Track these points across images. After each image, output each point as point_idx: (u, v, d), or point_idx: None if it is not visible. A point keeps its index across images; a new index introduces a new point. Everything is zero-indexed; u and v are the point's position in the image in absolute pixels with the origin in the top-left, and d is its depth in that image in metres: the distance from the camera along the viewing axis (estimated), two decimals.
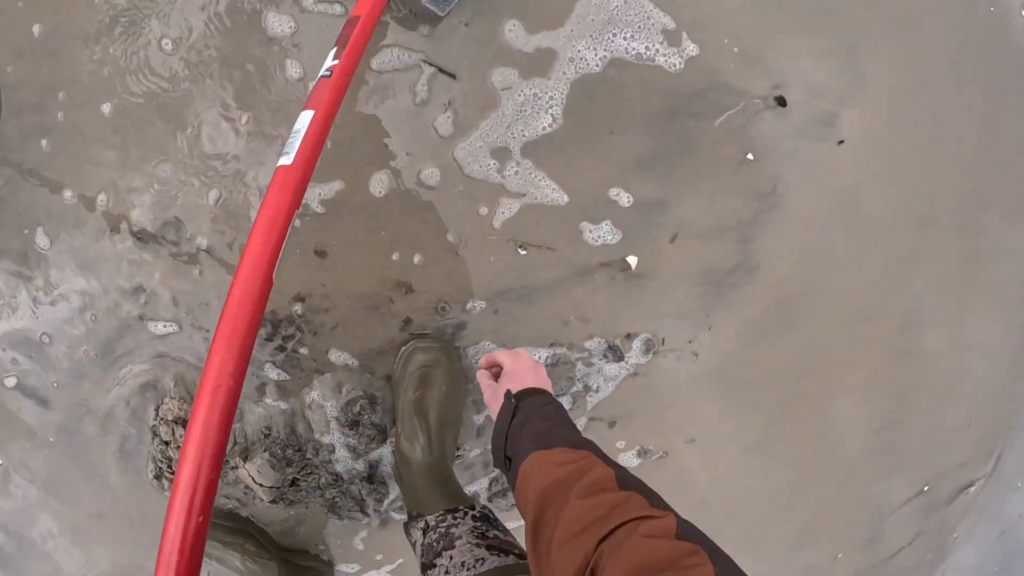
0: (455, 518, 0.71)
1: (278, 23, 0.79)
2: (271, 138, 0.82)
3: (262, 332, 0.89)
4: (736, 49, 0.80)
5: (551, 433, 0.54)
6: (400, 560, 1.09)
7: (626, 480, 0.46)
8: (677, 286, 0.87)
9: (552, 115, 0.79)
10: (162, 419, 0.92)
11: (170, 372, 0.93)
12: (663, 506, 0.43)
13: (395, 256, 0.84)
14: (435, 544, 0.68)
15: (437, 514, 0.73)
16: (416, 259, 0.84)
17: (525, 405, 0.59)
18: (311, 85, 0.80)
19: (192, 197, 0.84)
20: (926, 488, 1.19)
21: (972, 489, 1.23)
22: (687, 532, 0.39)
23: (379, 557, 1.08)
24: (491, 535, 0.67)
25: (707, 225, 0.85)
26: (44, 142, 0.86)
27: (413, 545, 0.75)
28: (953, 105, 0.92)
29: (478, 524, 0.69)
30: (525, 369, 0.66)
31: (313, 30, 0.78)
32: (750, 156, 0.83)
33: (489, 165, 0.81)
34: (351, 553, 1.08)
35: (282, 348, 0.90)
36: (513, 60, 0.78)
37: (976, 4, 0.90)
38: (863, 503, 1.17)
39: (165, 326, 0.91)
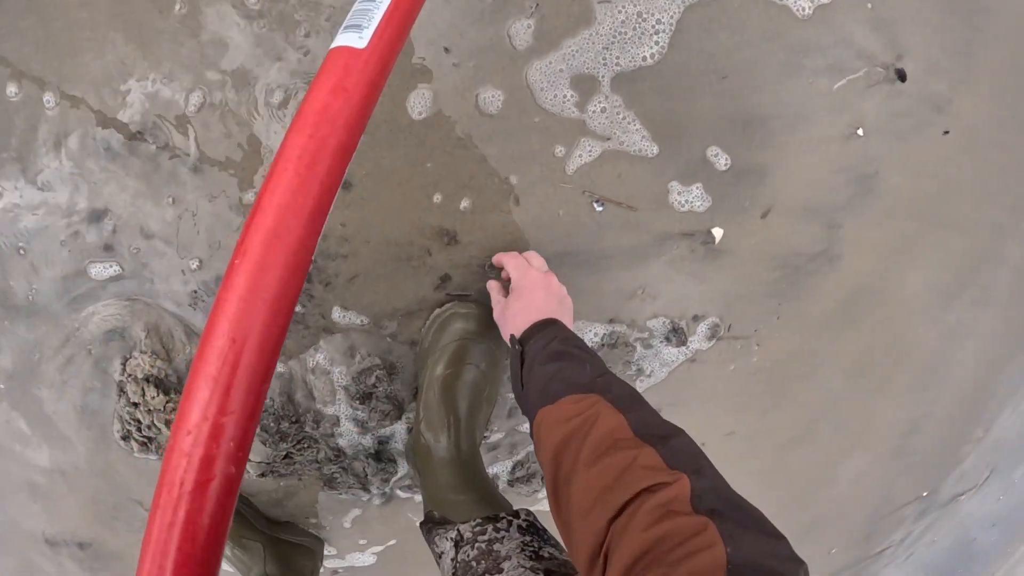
0: (498, 530, 0.58)
1: None
2: (293, 24, 0.64)
3: None
4: (870, 5, 0.69)
5: (557, 379, 0.50)
6: (392, 541, 0.98)
7: (639, 424, 0.43)
8: (757, 267, 0.77)
9: (657, 43, 0.65)
10: (130, 375, 0.74)
11: (141, 320, 0.75)
12: (680, 461, 0.39)
13: (438, 197, 0.69)
14: (474, 564, 0.55)
15: (473, 523, 0.59)
16: (465, 203, 0.70)
17: (530, 349, 0.55)
18: None
19: (179, 97, 0.65)
20: (926, 493, 1.21)
21: (963, 497, 1.26)
22: (703, 497, 0.36)
23: (363, 541, 0.96)
24: (546, 553, 0.55)
25: (801, 203, 0.75)
26: None
27: (439, 557, 0.61)
28: None
29: (528, 539, 0.57)
30: (534, 286, 0.61)
31: None
32: (860, 132, 0.74)
33: (567, 96, 0.66)
34: (337, 532, 0.95)
35: None
36: None
37: None
38: (868, 502, 1.17)
39: (109, 265, 0.73)
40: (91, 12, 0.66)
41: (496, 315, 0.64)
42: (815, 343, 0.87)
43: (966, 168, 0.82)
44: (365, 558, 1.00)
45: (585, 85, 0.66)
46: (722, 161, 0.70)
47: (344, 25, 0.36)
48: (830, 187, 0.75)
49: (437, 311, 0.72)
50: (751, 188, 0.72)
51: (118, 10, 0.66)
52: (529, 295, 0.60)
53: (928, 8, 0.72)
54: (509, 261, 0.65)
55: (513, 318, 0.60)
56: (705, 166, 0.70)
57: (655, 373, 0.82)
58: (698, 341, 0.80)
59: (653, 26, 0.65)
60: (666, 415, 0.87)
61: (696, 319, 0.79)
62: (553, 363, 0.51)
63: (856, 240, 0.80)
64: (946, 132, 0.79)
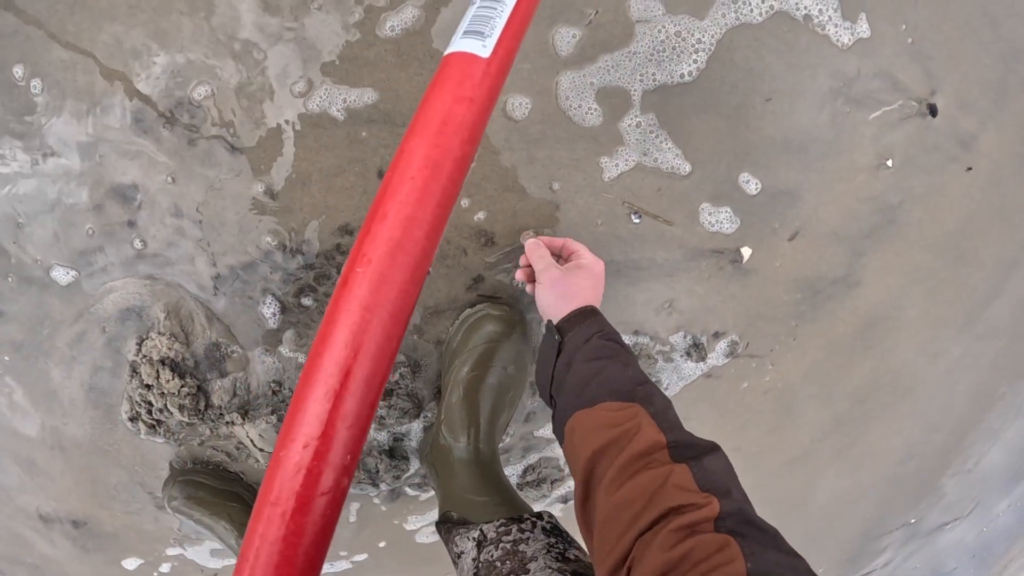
0: (522, 531, 0.58)
1: None
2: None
3: (290, 265, 0.72)
4: (910, 40, 0.71)
5: (596, 381, 0.49)
6: (382, 543, 0.97)
7: (677, 442, 0.43)
8: (780, 288, 0.79)
9: (696, 62, 0.66)
10: (145, 357, 0.73)
11: (161, 300, 0.73)
12: (711, 483, 0.40)
13: (479, 198, 0.69)
14: (499, 564, 0.54)
15: (497, 523, 0.59)
16: (506, 205, 0.70)
17: (570, 341, 0.53)
18: None
19: (216, 74, 0.64)
20: (913, 520, 1.24)
21: (948, 526, 1.30)
22: (727, 518, 0.37)
23: (343, 552, 0.95)
24: (571, 555, 0.55)
25: (828, 229, 0.77)
26: None
27: (457, 556, 0.61)
28: None
29: (553, 540, 0.57)
30: (590, 273, 0.58)
31: None
32: (889, 163, 0.75)
33: (592, 109, 0.67)
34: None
35: (311, 288, 0.74)
36: None
37: None
38: (858, 525, 1.20)
39: (132, 241, 0.71)
40: None
41: (545, 287, 0.58)
42: (827, 366, 0.88)
43: (984, 204, 0.85)
44: (342, 564, 0.99)
45: (618, 100, 0.67)
46: (752, 187, 0.71)
47: (464, 30, 0.35)
48: (856, 215, 0.77)
49: (468, 311, 0.72)
50: (781, 211, 0.74)
51: None
52: (584, 280, 0.57)
53: (966, 47, 0.74)
54: (572, 244, 0.62)
55: (559, 300, 0.56)
56: (736, 190, 0.71)
57: (671, 386, 0.82)
58: (716, 357, 0.81)
59: (693, 45, 0.66)
60: None
61: (717, 336, 0.80)
62: (595, 362, 0.50)
63: (876, 268, 0.82)
64: (969, 168, 0.81)
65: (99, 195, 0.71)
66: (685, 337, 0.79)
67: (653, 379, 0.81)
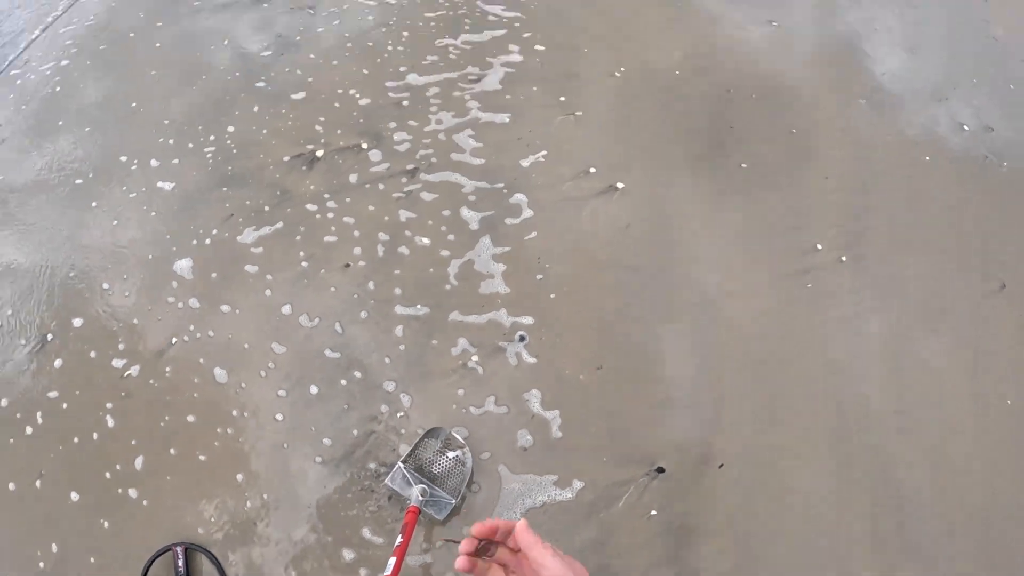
0: None
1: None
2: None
3: None
4: (608, 458, 1.18)
5: None
6: None
7: None
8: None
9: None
10: None
11: None
12: None
13: None
14: None
15: None
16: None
17: None
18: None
19: None
20: None
21: None
22: None
23: None
24: None
25: (644, 561, 1.21)
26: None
27: None
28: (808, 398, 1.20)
29: None
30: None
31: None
32: (653, 512, 1.19)
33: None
34: None
35: None
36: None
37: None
38: None
39: None
40: None
41: None
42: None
43: (757, 481, 1.19)
44: None
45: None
46: None
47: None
48: (659, 544, 1.20)
49: None
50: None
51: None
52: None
53: (654, 430, 1.18)
54: (547, 555, 0.64)
55: None
56: None
57: None
58: None
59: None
60: None
61: None
62: None
63: (705, 555, 1.20)
64: (721, 465, 1.19)
65: None
66: None
67: None
